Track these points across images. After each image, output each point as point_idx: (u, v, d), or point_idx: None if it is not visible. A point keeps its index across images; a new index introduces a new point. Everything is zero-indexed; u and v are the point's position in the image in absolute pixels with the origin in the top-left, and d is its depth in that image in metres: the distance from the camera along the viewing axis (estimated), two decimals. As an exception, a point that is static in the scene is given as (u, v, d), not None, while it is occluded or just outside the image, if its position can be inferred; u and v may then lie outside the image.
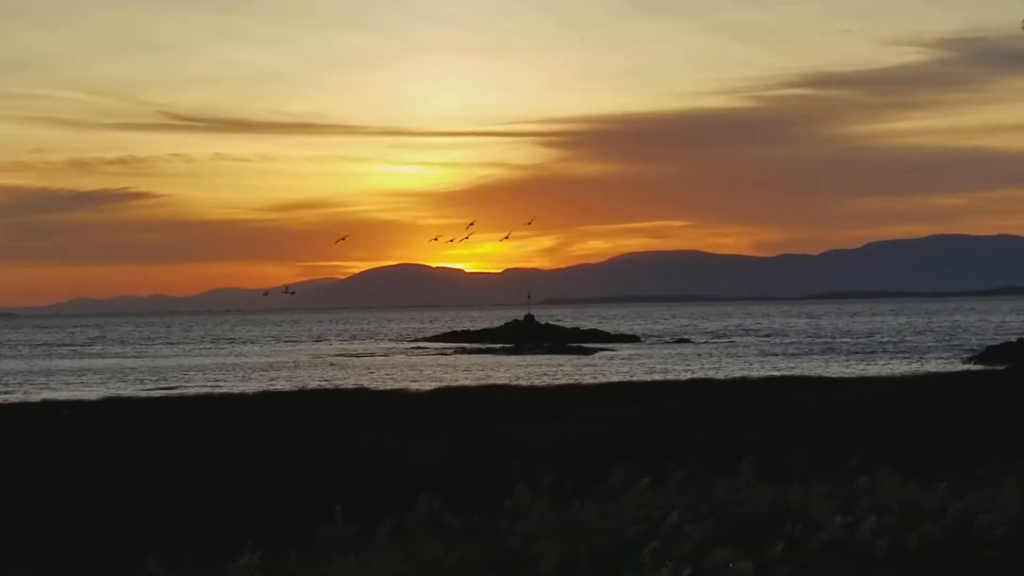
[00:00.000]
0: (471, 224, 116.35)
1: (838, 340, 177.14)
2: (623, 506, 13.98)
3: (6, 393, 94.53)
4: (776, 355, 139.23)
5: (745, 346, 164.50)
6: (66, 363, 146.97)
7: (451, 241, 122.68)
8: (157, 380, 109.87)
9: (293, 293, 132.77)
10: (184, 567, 13.92)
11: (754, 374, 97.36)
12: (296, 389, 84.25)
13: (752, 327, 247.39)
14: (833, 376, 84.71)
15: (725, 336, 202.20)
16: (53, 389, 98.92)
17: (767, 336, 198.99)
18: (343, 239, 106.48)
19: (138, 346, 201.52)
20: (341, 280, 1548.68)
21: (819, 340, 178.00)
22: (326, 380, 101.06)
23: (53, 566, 19.62)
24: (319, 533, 14.78)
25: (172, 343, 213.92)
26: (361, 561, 12.71)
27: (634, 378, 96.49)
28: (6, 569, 19.30)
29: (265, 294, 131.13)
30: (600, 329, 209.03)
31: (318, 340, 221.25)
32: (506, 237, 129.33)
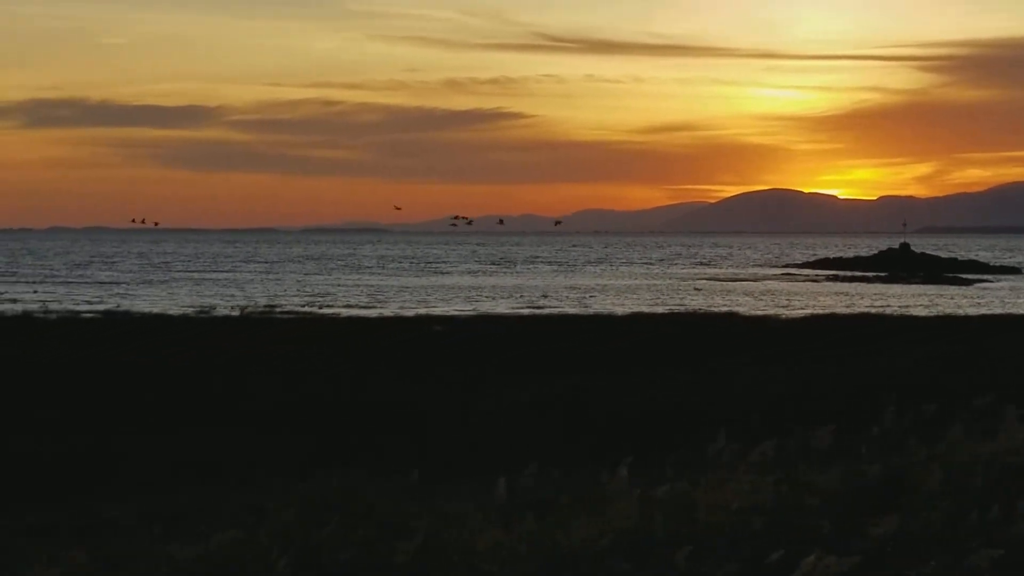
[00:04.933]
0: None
1: None
2: (1009, 434, 13.37)
3: (380, 308, 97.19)
4: None
5: None
6: (441, 280, 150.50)
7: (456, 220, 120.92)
8: (530, 298, 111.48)
9: (470, 222, 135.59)
10: (556, 481, 13.90)
11: None
12: (665, 312, 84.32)
13: None
14: None
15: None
16: (429, 304, 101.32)
17: None
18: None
19: (514, 265, 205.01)
20: (711, 204, 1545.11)
21: None
22: (695, 304, 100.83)
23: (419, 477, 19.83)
24: (686, 453, 14.57)
25: (548, 262, 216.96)
26: (731, 480, 12.44)
27: (1015, 310, 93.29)
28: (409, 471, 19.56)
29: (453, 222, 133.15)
30: (979, 260, 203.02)
31: (687, 263, 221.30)
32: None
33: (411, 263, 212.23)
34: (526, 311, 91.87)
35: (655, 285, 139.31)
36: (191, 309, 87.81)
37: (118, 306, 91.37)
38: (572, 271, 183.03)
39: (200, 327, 63.23)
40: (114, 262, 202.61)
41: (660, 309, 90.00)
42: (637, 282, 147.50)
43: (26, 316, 73.72)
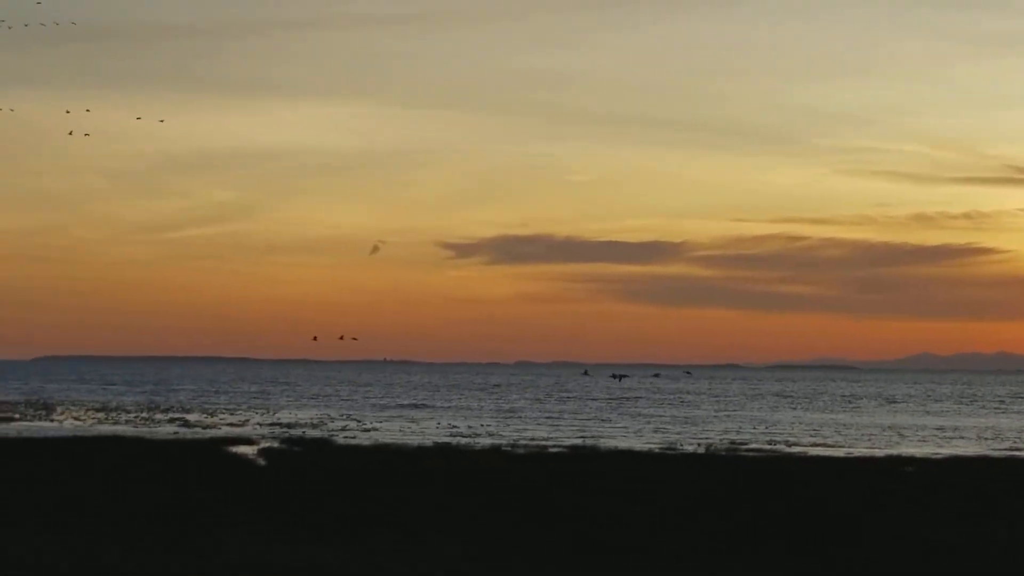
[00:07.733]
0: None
1: None
2: None
3: (847, 446, 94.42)
4: None
5: None
6: (908, 419, 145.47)
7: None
8: (1009, 439, 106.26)
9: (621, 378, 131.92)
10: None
11: None
12: None
13: None
14: None
15: None
16: (904, 444, 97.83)
17: None
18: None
19: (986, 403, 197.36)
20: None
21: None
22: None
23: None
24: None
25: (1018, 397, 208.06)
26: None
27: None
28: None
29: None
30: None
31: None
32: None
33: (875, 400, 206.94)
34: (1002, 453, 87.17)
35: None
36: (656, 446, 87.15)
37: (584, 441, 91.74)
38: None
39: (662, 465, 61.83)
40: (567, 394, 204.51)
41: None
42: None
43: (495, 449, 74.55)
